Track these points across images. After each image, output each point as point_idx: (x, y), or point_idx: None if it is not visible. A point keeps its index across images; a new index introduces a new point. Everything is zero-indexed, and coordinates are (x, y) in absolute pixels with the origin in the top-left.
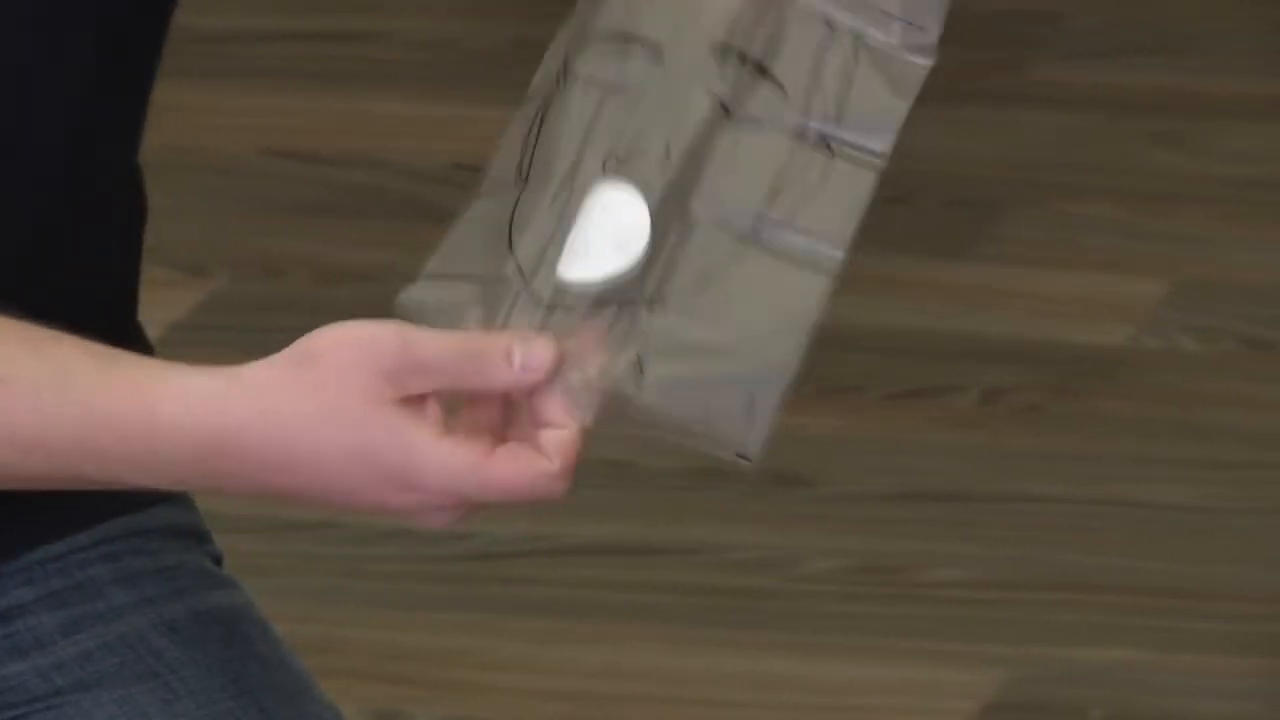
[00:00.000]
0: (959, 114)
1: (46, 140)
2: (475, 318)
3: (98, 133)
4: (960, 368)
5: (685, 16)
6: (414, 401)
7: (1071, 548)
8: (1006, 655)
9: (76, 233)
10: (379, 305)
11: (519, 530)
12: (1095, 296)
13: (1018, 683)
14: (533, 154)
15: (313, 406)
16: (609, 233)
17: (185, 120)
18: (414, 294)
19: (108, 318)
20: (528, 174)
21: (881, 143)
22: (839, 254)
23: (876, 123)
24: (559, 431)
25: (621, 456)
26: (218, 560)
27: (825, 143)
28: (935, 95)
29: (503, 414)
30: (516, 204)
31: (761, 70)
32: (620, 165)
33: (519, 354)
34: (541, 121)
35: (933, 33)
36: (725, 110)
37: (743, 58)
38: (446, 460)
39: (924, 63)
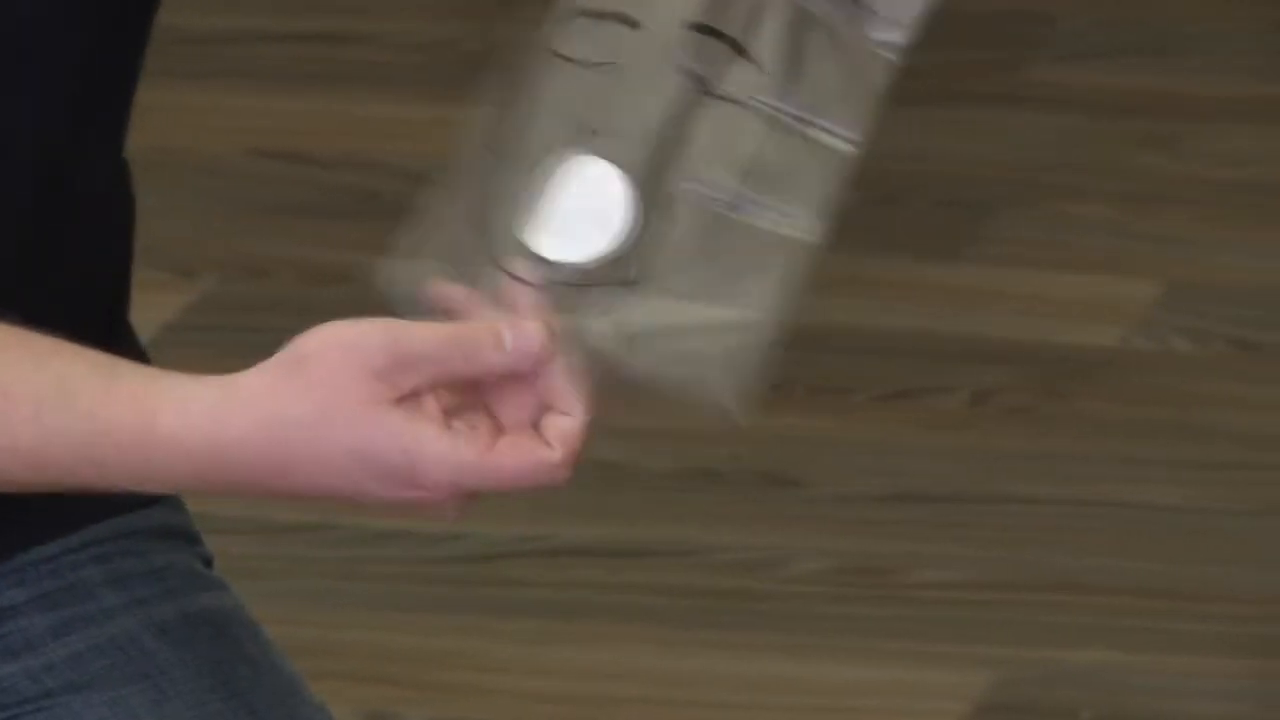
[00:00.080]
0: (951, 114)
1: (31, 139)
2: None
3: (83, 130)
4: (950, 368)
5: None
6: (411, 398)
7: (1062, 549)
8: (997, 656)
9: (65, 232)
10: (368, 306)
11: (511, 532)
12: (1087, 297)
13: (1008, 684)
14: (508, 129)
15: (308, 411)
16: (591, 211)
17: (174, 121)
18: (389, 271)
19: (100, 318)
20: (503, 149)
21: (854, 130)
22: (817, 228)
23: (849, 111)
24: (563, 420)
25: (614, 458)
26: (208, 562)
27: (801, 123)
28: (928, 95)
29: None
30: (492, 178)
31: (738, 48)
32: (599, 142)
33: (509, 336)
34: (518, 97)
35: (906, 24)
36: (702, 88)
37: (719, 36)
38: (447, 457)
39: (893, 55)
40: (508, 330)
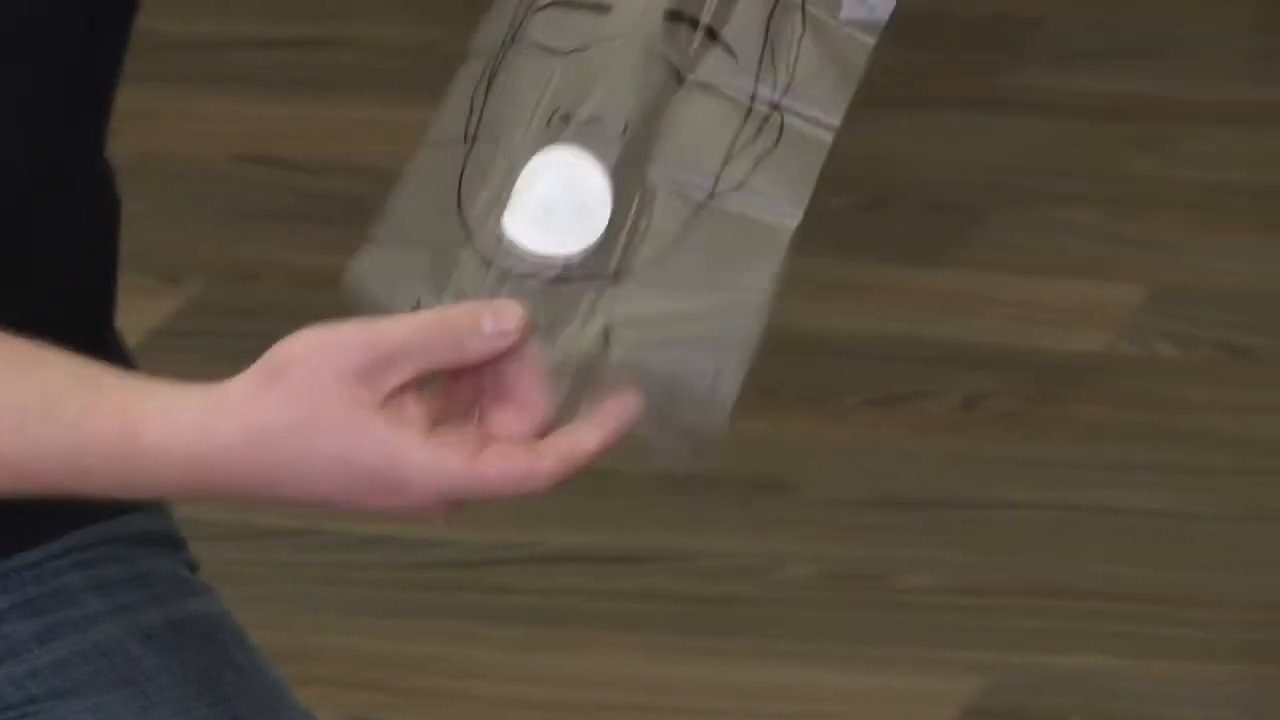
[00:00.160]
0: (938, 119)
1: (24, 141)
2: (426, 284)
3: (73, 132)
4: (939, 374)
5: None
6: (395, 402)
7: (1051, 554)
8: (985, 661)
9: (52, 236)
10: (355, 311)
11: (497, 538)
12: (1074, 302)
13: (997, 689)
14: (480, 115)
15: (291, 419)
16: (570, 202)
17: (161, 126)
18: (363, 262)
19: (86, 324)
20: (475, 135)
21: (831, 115)
22: (797, 214)
23: (825, 97)
24: (569, 439)
25: (601, 464)
26: (193, 567)
27: (777, 109)
28: (916, 100)
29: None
30: (465, 165)
31: (712, 35)
32: (576, 131)
33: (489, 320)
34: (490, 83)
35: (880, 9)
36: (677, 76)
37: (693, 23)
38: (432, 464)
39: (868, 40)
40: (485, 313)
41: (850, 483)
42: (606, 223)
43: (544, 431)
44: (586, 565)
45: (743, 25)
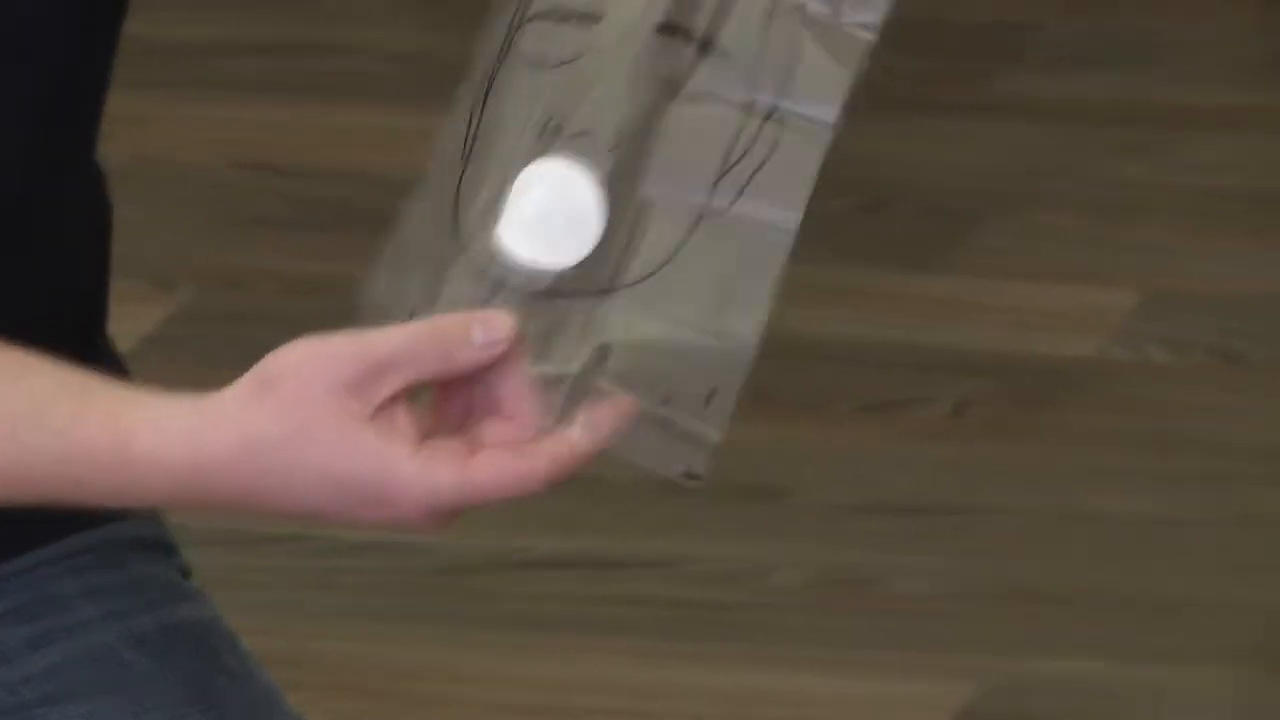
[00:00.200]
0: (930, 124)
1: (21, 142)
2: (422, 296)
3: (69, 133)
4: (930, 379)
5: None
6: (385, 414)
7: (1041, 560)
8: (975, 667)
9: (42, 237)
10: (348, 318)
11: (486, 544)
12: (1065, 308)
13: (987, 694)
14: (476, 133)
15: (282, 431)
16: (562, 213)
17: (153, 132)
18: (371, 289)
19: (78, 329)
20: (471, 153)
21: (828, 113)
22: (793, 225)
23: (823, 94)
24: (563, 442)
25: (590, 470)
26: (185, 573)
27: (773, 114)
28: (907, 105)
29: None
30: (460, 183)
31: (706, 44)
32: (568, 144)
33: (479, 331)
34: (485, 101)
35: (878, 6)
36: (671, 86)
37: (687, 31)
38: (422, 477)
39: (867, 35)
40: (476, 324)
41: (841, 488)
42: (599, 234)
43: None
44: (576, 571)
45: (737, 31)
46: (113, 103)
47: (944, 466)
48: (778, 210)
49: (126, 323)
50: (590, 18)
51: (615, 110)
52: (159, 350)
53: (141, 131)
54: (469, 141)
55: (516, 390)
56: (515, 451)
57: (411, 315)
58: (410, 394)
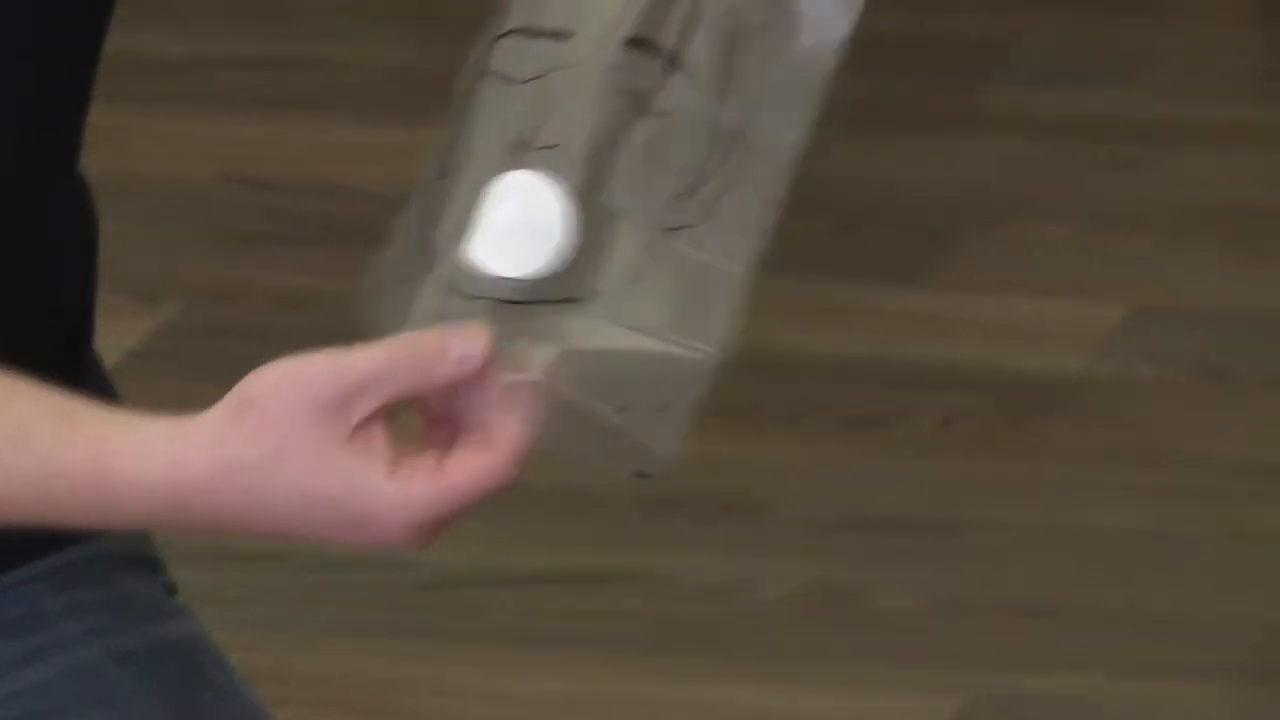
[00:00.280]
0: (914, 139)
1: (13, 150)
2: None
3: (58, 142)
4: (915, 394)
5: (596, 7)
6: (363, 433)
7: (1027, 574)
8: (961, 682)
9: (27, 249)
10: (334, 333)
11: (470, 559)
12: (1051, 323)
13: (972, 710)
14: (452, 152)
15: (260, 452)
16: (529, 225)
17: (140, 146)
18: (364, 307)
19: (63, 344)
20: (445, 169)
21: (793, 131)
22: (758, 242)
23: (788, 112)
24: (503, 428)
25: (574, 485)
26: (172, 589)
27: (738, 132)
28: (891, 120)
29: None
30: (434, 199)
31: (673, 61)
32: (537, 157)
33: (454, 345)
34: (462, 117)
35: (842, 24)
36: (639, 100)
37: (655, 47)
38: (399, 496)
39: (832, 54)
40: (452, 339)
41: (826, 503)
42: (568, 246)
43: None
44: (560, 586)
45: (703, 49)
46: (98, 116)
47: (929, 481)
48: (743, 227)
49: (111, 337)
50: (561, 34)
51: (584, 124)
52: (144, 365)
53: (127, 145)
54: (445, 158)
55: (488, 400)
56: (479, 447)
57: (394, 331)
58: (389, 411)
